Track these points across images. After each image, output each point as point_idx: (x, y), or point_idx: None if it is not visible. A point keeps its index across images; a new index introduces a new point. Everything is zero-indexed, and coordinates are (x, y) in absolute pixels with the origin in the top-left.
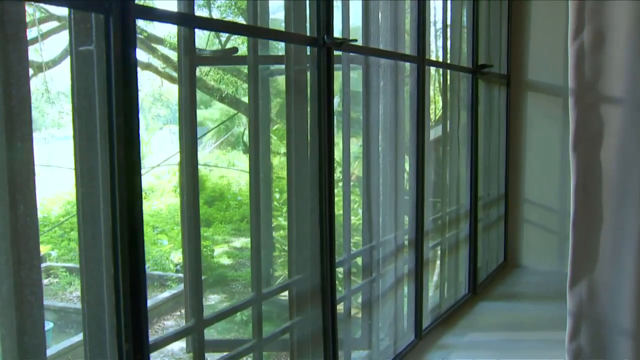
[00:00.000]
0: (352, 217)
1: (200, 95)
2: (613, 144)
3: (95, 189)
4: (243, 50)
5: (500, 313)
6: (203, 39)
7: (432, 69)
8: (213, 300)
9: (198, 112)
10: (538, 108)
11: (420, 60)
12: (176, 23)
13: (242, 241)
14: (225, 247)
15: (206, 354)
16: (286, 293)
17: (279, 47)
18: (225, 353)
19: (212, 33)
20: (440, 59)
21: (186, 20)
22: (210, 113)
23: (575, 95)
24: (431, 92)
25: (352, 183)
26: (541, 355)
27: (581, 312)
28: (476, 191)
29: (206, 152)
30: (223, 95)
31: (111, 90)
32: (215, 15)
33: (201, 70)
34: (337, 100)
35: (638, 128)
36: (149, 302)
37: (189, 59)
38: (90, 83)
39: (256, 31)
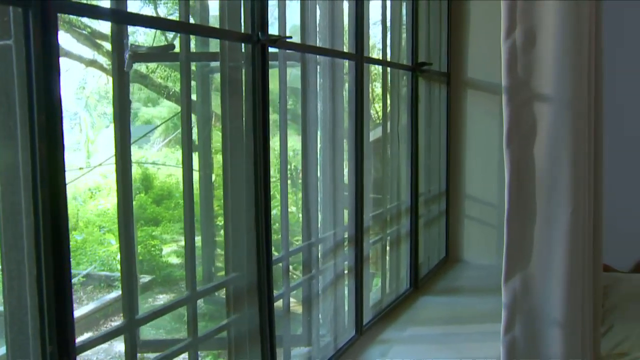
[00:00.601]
0: (299, 215)
1: (147, 93)
2: (544, 141)
3: (16, 187)
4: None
5: (441, 307)
6: (150, 36)
7: (373, 67)
8: (162, 300)
9: (146, 110)
10: (477, 105)
11: (359, 57)
12: (103, 18)
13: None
14: (174, 246)
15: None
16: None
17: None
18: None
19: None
20: (381, 57)
21: (113, 16)
22: (158, 111)
23: (509, 93)
24: (378, 90)
25: (299, 181)
26: (479, 347)
27: (515, 305)
28: (416, 188)
29: (154, 150)
30: (170, 92)
31: (32, 87)
32: (162, 12)
33: (148, 68)
34: (275, 97)
35: (567, 126)
36: (95, 304)
37: (122, 56)
38: (10, 79)
39: (188, 27)
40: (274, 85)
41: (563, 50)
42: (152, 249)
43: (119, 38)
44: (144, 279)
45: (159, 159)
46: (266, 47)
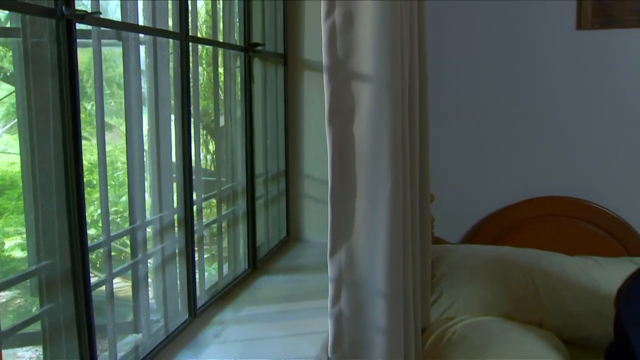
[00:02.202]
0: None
1: None
2: (364, 119)
3: None
4: None
5: (280, 286)
6: None
7: (208, 48)
8: (5, 297)
9: None
10: (315, 86)
11: (183, 37)
12: None
13: None
14: (19, 239)
15: None
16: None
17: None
18: None
19: None
20: (211, 37)
21: None
22: None
23: (329, 72)
24: (220, 71)
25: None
26: (311, 322)
27: (341, 278)
28: (252, 168)
29: None
30: (8, 74)
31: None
32: None
33: None
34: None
35: (386, 105)
36: None
37: None
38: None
39: None
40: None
41: (380, 33)
42: None
43: None
44: None
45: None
46: (73, 23)
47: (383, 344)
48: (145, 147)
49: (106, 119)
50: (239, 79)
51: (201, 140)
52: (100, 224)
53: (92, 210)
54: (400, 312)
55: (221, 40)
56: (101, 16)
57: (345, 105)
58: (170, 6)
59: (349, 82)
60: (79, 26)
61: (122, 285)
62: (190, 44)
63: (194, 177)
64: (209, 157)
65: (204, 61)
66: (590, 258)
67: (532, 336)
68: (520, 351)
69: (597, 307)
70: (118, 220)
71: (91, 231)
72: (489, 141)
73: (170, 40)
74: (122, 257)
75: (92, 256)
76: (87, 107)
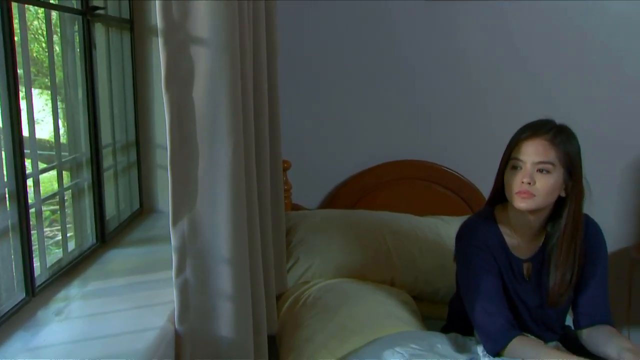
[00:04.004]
0: None
1: None
2: (203, 84)
3: None
4: None
5: (129, 259)
6: None
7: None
8: None
9: None
10: None
11: None
12: None
13: None
14: None
15: None
16: None
17: None
18: None
19: None
20: None
21: None
22: None
23: (165, 36)
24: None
25: None
26: (159, 293)
27: (185, 247)
28: (97, 138)
29: None
30: None
31: None
32: None
33: None
34: None
35: (224, 68)
36: None
37: None
38: None
39: None
40: None
41: None
42: None
43: None
44: None
45: None
46: None
47: (230, 311)
48: None
49: None
50: (77, 45)
51: (36, 109)
52: None
53: None
54: (247, 278)
55: (53, 2)
56: None
57: (183, 69)
58: None
59: (186, 46)
60: None
61: None
62: (16, 4)
63: (27, 147)
64: (49, 126)
65: (35, 22)
66: (439, 218)
67: (383, 294)
68: (371, 308)
69: (443, 262)
70: None
71: None
72: (344, 108)
73: None
74: None
75: None
76: None
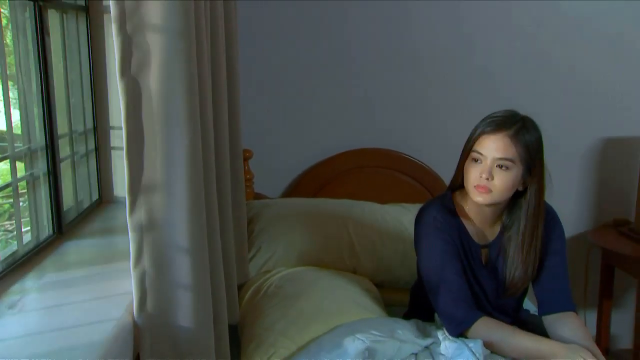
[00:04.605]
0: None
1: None
2: (158, 71)
3: None
4: None
5: (88, 250)
6: None
7: None
8: None
9: None
10: None
11: None
12: None
13: None
14: None
15: None
16: None
17: None
18: None
19: None
20: None
21: None
22: None
23: (119, 22)
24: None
25: None
26: (118, 284)
27: (142, 237)
28: (52, 128)
29: None
30: None
31: None
32: None
33: None
34: None
35: (180, 56)
36: None
37: None
38: None
39: None
40: None
41: None
42: None
43: None
44: None
45: None
46: None
47: (189, 301)
48: None
49: None
50: (29, 32)
51: None
52: None
53: None
54: (206, 268)
55: None
56: None
57: (137, 56)
58: None
59: (140, 33)
60: None
61: None
62: None
63: None
64: (0, 116)
65: None
66: (400, 205)
67: (344, 281)
68: (333, 296)
69: (404, 249)
70: None
71: None
72: (306, 96)
73: None
74: None
75: None
76: None
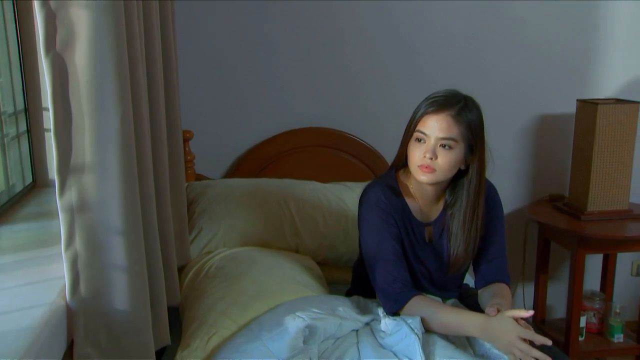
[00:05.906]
0: None
1: None
2: (85, 47)
3: None
4: None
5: (20, 235)
6: None
7: None
8: None
9: None
10: None
11: None
12: None
13: None
14: None
15: None
16: None
17: None
18: None
19: None
20: None
21: None
22: None
23: None
24: None
25: None
26: (51, 268)
27: (73, 219)
28: None
29: None
30: None
31: None
32: None
33: None
34: None
35: (108, 32)
36: None
37: None
38: None
39: None
40: None
41: None
42: None
43: None
44: None
45: None
46: None
47: (124, 283)
48: None
49: None
50: None
51: None
52: None
53: None
54: (142, 250)
55: None
56: None
57: (62, 32)
58: None
59: (64, 8)
60: None
61: None
62: None
63: None
64: None
65: None
66: (342, 184)
67: (286, 260)
68: (274, 275)
69: (346, 227)
70: None
71: None
72: (246, 76)
73: None
74: None
75: None
76: None
